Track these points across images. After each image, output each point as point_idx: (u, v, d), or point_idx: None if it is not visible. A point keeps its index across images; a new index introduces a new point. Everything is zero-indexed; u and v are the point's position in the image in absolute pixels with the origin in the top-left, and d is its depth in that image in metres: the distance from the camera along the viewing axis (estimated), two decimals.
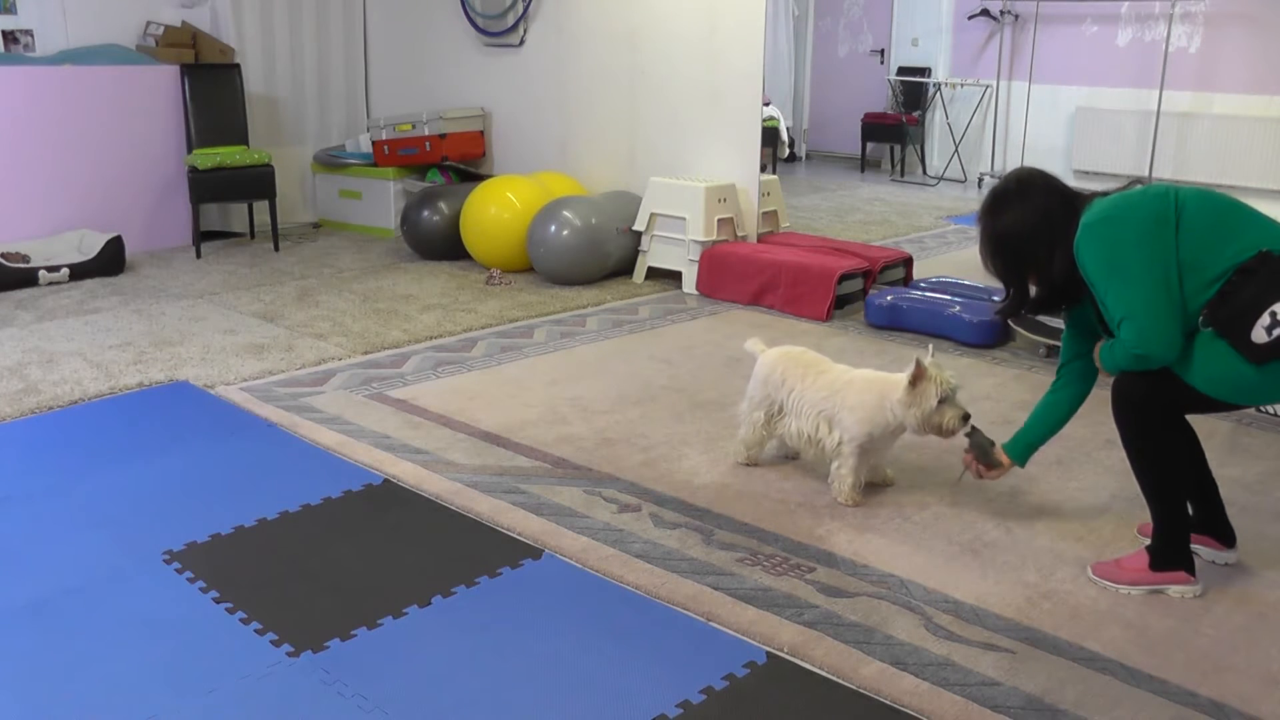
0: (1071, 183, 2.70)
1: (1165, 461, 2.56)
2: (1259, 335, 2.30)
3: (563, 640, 2.41)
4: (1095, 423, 3.76)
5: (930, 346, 3.11)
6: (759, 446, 3.34)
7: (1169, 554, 2.59)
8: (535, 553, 2.80)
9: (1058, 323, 4.56)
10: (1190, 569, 2.60)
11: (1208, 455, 2.78)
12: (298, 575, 2.69)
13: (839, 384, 3.12)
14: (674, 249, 5.64)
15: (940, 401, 2.91)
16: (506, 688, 2.24)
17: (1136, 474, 2.60)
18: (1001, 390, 4.10)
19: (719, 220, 5.55)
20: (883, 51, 10.50)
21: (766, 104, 7.96)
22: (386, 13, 7.48)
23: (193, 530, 2.91)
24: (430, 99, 7.17)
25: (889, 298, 4.95)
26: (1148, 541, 2.66)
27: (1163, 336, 2.38)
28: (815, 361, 3.24)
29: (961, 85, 9.50)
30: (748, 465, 3.36)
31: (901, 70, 10.13)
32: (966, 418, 2.95)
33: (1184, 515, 2.62)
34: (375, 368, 4.34)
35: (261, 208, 6.75)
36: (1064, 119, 8.76)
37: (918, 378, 2.92)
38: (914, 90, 9.97)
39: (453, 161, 6.80)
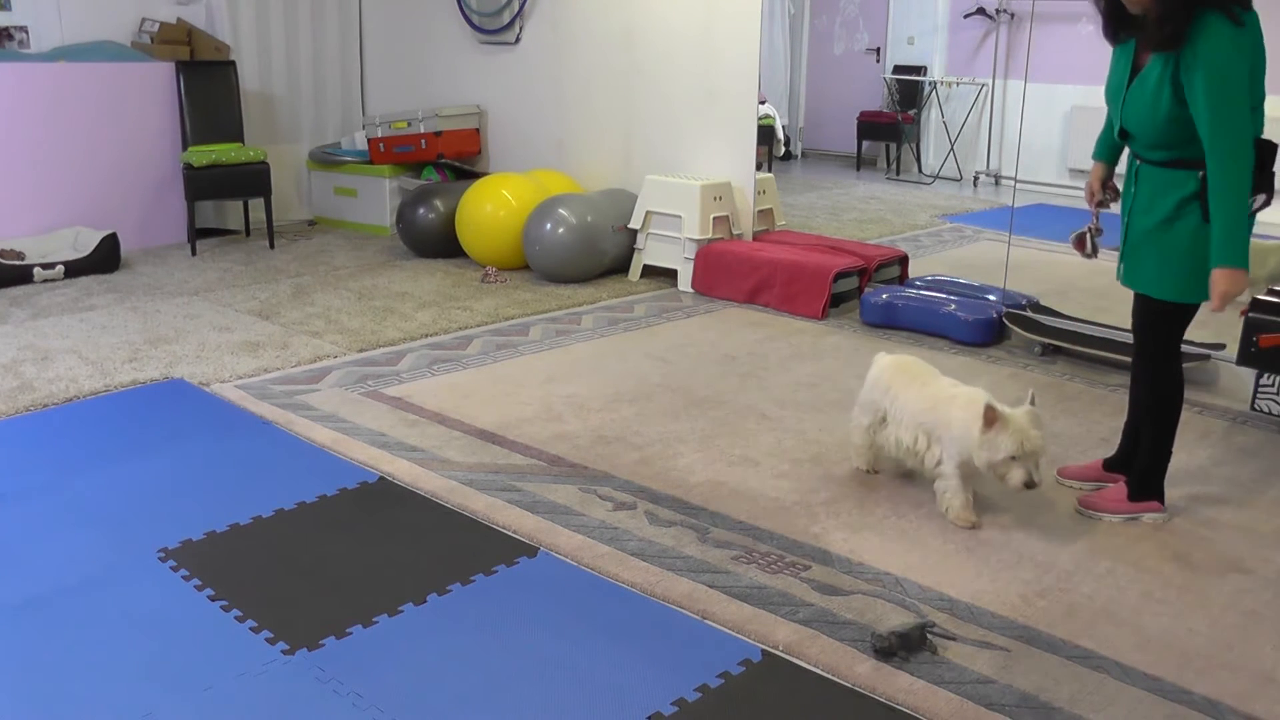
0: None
1: (1175, 387, 2.93)
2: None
3: (558, 638, 2.41)
4: (1091, 421, 3.78)
5: (1031, 392, 2.93)
6: (869, 451, 3.27)
7: (1146, 484, 2.99)
8: (531, 550, 2.80)
9: (1054, 323, 4.57)
10: (1161, 499, 2.99)
11: (1202, 452, 3.43)
12: (293, 573, 2.69)
13: (941, 398, 3.02)
14: (669, 247, 5.64)
15: (1012, 458, 2.79)
16: (502, 685, 2.24)
17: (1147, 398, 2.96)
18: (997, 389, 4.09)
19: (714, 218, 5.55)
20: (878, 50, 10.50)
21: (762, 102, 7.95)
22: (382, 10, 7.47)
23: (188, 528, 2.91)
24: (426, 96, 7.16)
25: (884, 296, 4.95)
26: (1071, 484, 3.21)
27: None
28: (923, 372, 3.17)
29: (957, 84, 9.51)
30: (870, 472, 3.29)
31: (897, 69, 10.12)
32: (1030, 486, 2.81)
33: (1170, 446, 2.98)
34: (370, 365, 4.34)
35: (257, 205, 6.74)
36: (1059, 118, 8.76)
37: (990, 422, 2.80)
38: (910, 89, 9.97)
39: (448, 159, 6.80)
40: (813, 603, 2.55)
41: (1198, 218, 2.73)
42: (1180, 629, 2.47)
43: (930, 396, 3.04)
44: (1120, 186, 3.04)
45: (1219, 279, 2.66)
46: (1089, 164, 3.17)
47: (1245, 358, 3.76)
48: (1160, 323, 2.90)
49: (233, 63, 6.73)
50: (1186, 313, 2.88)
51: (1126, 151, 2.98)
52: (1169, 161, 2.79)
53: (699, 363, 4.40)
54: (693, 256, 5.53)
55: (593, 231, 5.58)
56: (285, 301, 5.32)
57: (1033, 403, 2.87)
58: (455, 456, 3.41)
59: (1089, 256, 3.11)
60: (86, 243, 5.90)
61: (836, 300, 5.22)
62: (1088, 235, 3.09)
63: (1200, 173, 2.70)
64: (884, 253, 5.60)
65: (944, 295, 4.95)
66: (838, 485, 3.23)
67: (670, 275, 5.71)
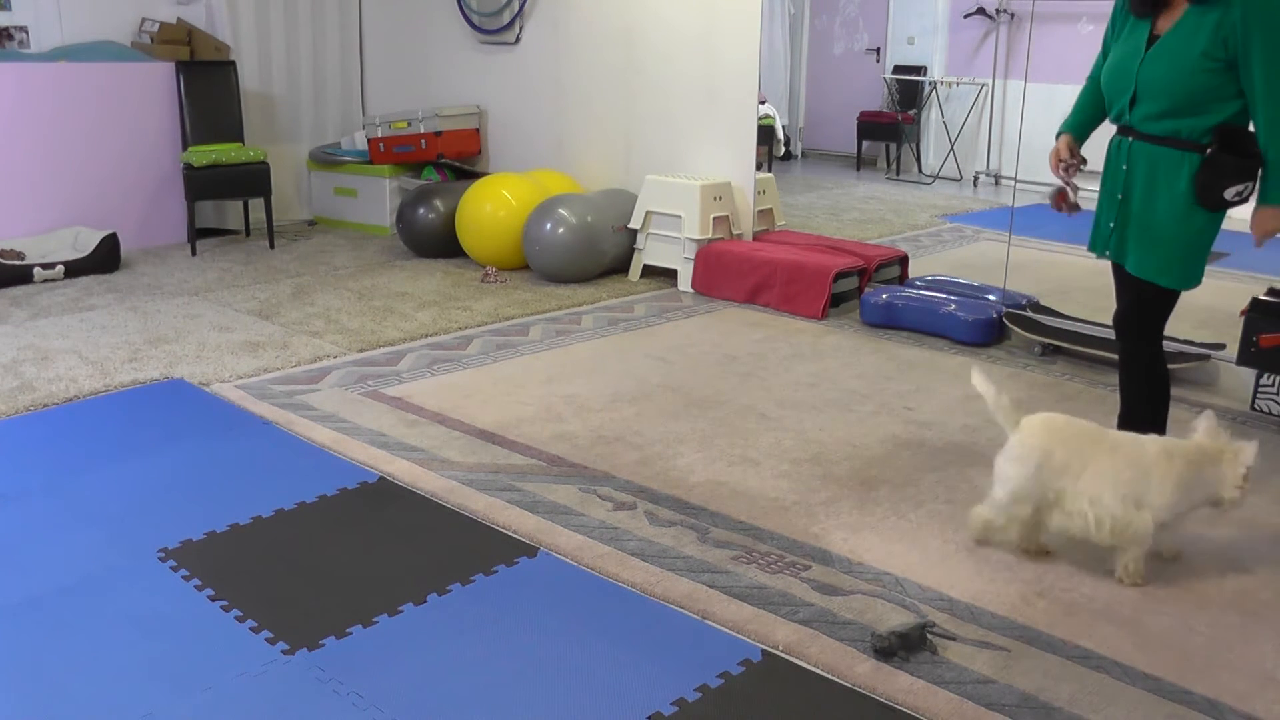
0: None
1: (1165, 365, 3.05)
2: (1229, 195, 2.76)
3: (558, 638, 2.41)
4: (1091, 420, 3.77)
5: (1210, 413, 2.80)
6: (1032, 534, 2.80)
7: None
8: (531, 550, 2.80)
9: (1054, 323, 4.58)
10: None
11: None
12: (293, 573, 2.69)
13: (1146, 461, 2.65)
14: (670, 247, 5.64)
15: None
16: (502, 685, 2.24)
17: (1147, 385, 3.04)
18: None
19: (714, 218, 5.55)
20: (878, 50, 10.50)
21: (762, 102, 7.96)
22: (382, 10, 7.47)
23: (188, 528, 2.91)
24: (426, 96, 7.16)
25: (884, 296, 4.95)
26: None
27: None
28: (1095, 435, 2.75)
29: (957, 84, 9.51)
30: (1044, 553, 2.82)
31: (897, 69, 10.13)
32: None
33: (1164, 432, 2.98)
34: (371, 365, 4.34)
35: (257, 205, 6.73)
36: (1059, 118, 8.77)
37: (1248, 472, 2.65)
38: (910, 89, 9.97)
39: (448, 159, 6.80)
40: (813, 603, 2.55)
41: (1189, 201, 2.82)
42: (1180, 629, 2.47)
43: (1132, 462, 2.66)
44: (1085, 156, 3.15)
45: (1266, 217, 2.76)
46: (1089, 164, 3.19)
47: (1245, 358, 3.76)
48: (1166, 306, 2.99)
49: (233, 63, 6.73)
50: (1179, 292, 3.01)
51: (1110, 132, 3.03)
52: (1165, 137, 2.82)
53: (699, 363, 4.40)
54: (693, 256, 5.53)
55: (593, 231, 5.58)
56: (285, 301, 5.32)
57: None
58: (455, 456, 3.41)
59: (1070, 210, 3.11)
60: (86, 243, 5.90)
61: (836, 300, 5.22)
62: (1067, 190, 3.12)
63: (1202, 153, 2.77)
64: (884, 253, 5.60)
65: (944, 295, 4.95)
66: (838, 485, 3.23)
67: (670, 275, 5.71)
